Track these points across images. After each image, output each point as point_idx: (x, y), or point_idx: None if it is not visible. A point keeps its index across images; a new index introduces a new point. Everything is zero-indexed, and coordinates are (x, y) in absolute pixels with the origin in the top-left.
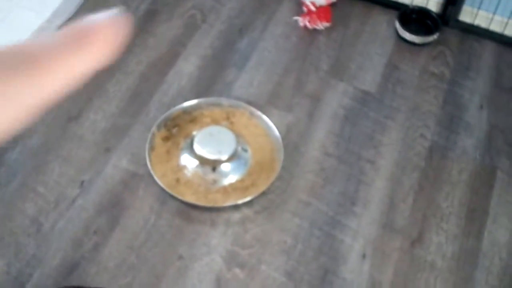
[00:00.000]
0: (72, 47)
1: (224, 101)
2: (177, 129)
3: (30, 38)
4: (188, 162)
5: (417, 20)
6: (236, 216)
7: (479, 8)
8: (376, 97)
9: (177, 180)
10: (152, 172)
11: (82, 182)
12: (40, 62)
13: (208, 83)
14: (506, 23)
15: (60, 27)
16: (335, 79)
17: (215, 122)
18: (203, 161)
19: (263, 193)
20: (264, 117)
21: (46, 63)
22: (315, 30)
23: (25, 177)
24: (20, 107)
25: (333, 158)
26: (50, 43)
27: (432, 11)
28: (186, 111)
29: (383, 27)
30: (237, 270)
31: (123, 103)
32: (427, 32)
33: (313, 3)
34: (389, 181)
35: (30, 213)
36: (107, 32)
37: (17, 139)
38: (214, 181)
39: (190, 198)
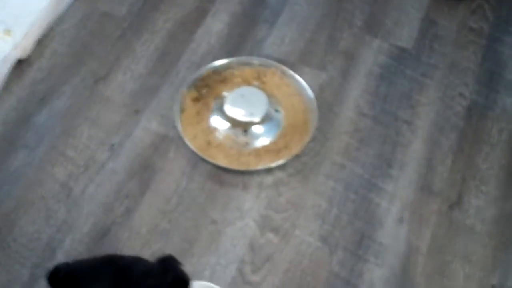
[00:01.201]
0: None
1: (255, 60)
2: (207, 90)
3: None
4: (219, 124)
5: None
6: (269, 179)
7: None
8: (412, 54)
9: (208, 143)
10: (182, 134)
11: (112, 145)
12: None
13: (238, 41)
14: None
15: None
16: (369, 35)
17: (246, 82)
18: (234, 123)
19: (297, 156)
20: (297, 76)
21: None
22: None
23: (54, 141)
24: None
25: (368, 118)
26: None
27: None
28: (216, 71)
29: None
30: (270, 235)
31: (151, 63)
32: None
33: None
34: (427, 142)
35: (60, 178)
36: None
37: (44, 102)
38: (246, 144)
39: (222, 161)
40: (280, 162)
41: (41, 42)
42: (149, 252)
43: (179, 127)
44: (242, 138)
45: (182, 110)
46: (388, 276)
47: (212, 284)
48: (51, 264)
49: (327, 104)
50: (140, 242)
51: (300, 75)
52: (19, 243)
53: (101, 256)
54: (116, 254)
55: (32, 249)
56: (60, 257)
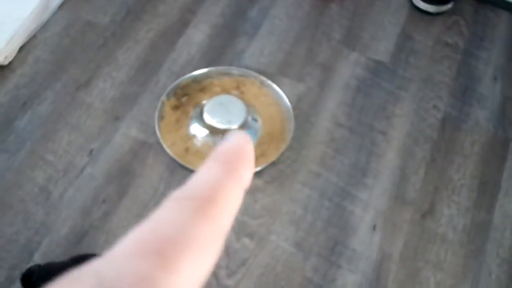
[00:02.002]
0: (230, 174)
1: (234, 70)
2: (187, 98)
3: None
4: (197, 131)
5: None
6: None
7: None
8: (389, 67)
9: (187, 150)
10: (161, 141)
11: (91, 150)
12: (215, 199)
13: (218, 52)
14: None
15: None
16: (347, 48)
17: (225, 91)
18: (213, 130)
19: (273, 164)
20: (275, 87)
21: (219, 199)
22: None
23: (34, 145)
24: (214, 253)
25: (344, 128)
26: (211, 178)
27: None
28: (196, 80)
29: None
30: (246, 240)
31: (133, 71)
32: (442, 1)
33: None
34: (401, 152)
35: (39, 181)
36: (248, 151)
37: (25, 107)
38: None
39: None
40: (257, 169)
41: (24, 49)
42: None
43: (158, 134)
44: None
45: (161, 118)
46: (361, 282)
47: None
48: (28, 266)
49: (304, 114)
50: None
51: (278, 86)
52: None
53: (73, 257)
54: (88, 254)
55: (10, 250)
56: (38, 259)
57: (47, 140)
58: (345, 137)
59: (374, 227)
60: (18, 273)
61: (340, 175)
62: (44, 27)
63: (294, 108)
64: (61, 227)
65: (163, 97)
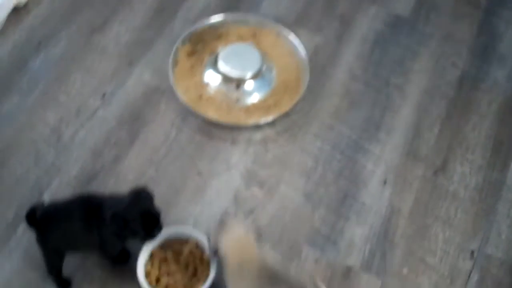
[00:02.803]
0: None
1: (251, 18)
2: (202, 45)
3: None
4: (211, 78)
5: None
6: (257, 135)
7: None
8: (408, 22)
9: (200, 97)
10: (174, 87)
11: (104, 94)
12: None
13: None
14: None
15: None
16: (367, 1)
17: (241, 39)
18: (227, 78)
19: (286, 114)
20: (292, 37)
21: None
22: None
23: (47, 86)
24: None
25: (360, 82)
26: None
27: None
28: (212, 27)
29: None
30: (255, 189)
31: (148, 16)
32: None
33: None
34: (416, 108)
35: (51, 122)
36: None
37: (40, 48)
38: (237, 99)
39: (212, 115)
40: (270, 119)
41: None
42: None
43: (172, 80)
44: (233, 94)
45: (175, 64)
46: (368, 235)
47: (194, 230)
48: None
49: (320, 66)
50: (127, 188)
51: (295, 36)
52: (7, 184)
53: (76, 196)
54: (91, 193)
55: (19, 190)
56: (47, 199)
57: (60, 82)
58: (360, 91)
59: (384, 182)
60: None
61: (353, 128)
62: None
63: (310, 59)
64: (72, 168)
65: (178, 43)
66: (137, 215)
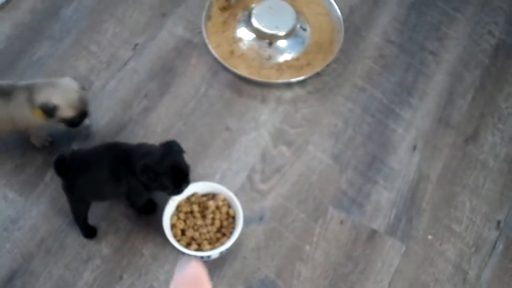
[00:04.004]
0: None
1: None
2: (236, 0)
3: None
4: (244, 34)
5: None
6: (288, 94)
7: None
8: None
9: (232, 52)
10: (206, 41)
11: (136, 45)
12: None
13: None
14: None
15: None
16: None
17: None
18: (259, 34)
19: (318, 74)
20: None
21: None
22: None
23: (79, 35)
24: None
25: (394, 45)
26: None
27: None
28: None
29: None
30: (283, 148)
31: None
32: None
33: None
34: (450, 75)
35: (82, 71)
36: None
37: None
38: (269, 57)
39: (243, 71)
40: (301, 78)
41: None
42: None
43: (204, 34)
44: (265, 51)
45: (208, 18)
46: (395, 200)
47: (221, 186)
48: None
49: (354, 27)
50: (155, 141)
51: None
52: None
53: (104, 144)
54: (119, 142)
55: (49, 136)
56: (76, 147)
57: (92, 31)
58: (394, 54)
59: (414, 148)
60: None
61: (385, 92)
62: None
63: (345, 20)
64: (101, 118)
65: None
66: (167, 169)
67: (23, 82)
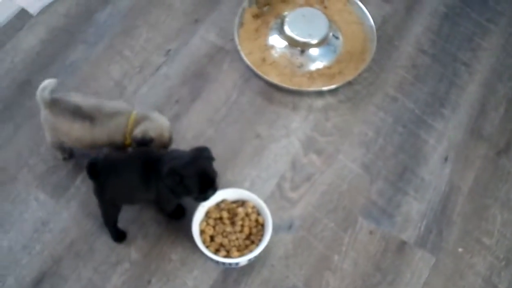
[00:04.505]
0: None
1: None
2: (269, 8)
3: None
4: (276, 42)
5: None
6: (319, 102)
7: None
8: None
9: (263, 60)
10: (238, 48)
11: (168, 50)
12: None
13: None
14: None
15: None
16: None
17: (309, 4)
18: (292, 42)
19: (350, 83)
20: (360, 5)
21: None
22: None
23: (113, 39)
24: None
25: (427, 56)
26: None
27: None
28: None
29: None
30: (313, 156)
31: None
32: None
33: None
34: (483, 87)
35: (115, 76)
36: None
37: (107, 1)
38: (301, 65)
39: (274, 79)
40: (332, 87)
41: None
42: None
43: (237, 41)
44: (297, 59)
45: (241, 25)
46: (425, 211)
47: (250, 193)
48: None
49: (387, 37)
50: (185, 147)
51: (364, 4)
52: None
53: (136, 150)
54: (151, 148)
55: None
56: (106, 151)
57: (126, 36)
58: (426, 65)
59: (446, 159)
60: (85, 161)
61: (417, 102)
62: None
63: (377, 29)
64: None
65: (245, 4)
66: (194, 174)
67: (109, 106)
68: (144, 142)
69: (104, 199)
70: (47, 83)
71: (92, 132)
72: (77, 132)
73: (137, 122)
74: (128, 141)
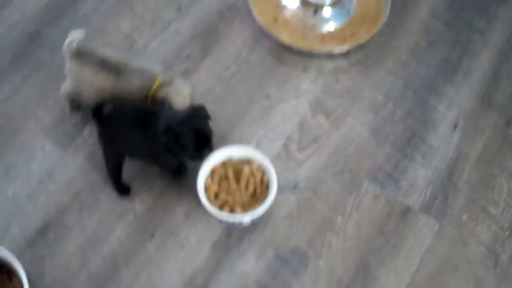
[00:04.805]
0: None
1: None
2: None
3: None
4: (289, 2)
5: None
6: (329, 65)
7: None
8: None
9: (275, 19)
10: (251, 6)
11: (180, 6)
12: None
13: None
14: None
15: None
16: None
17: None
18: (305, 2)
19: (361, 46)
20: None
21: None
22: None
23: None
24: None
25: (441, 22)
26: None
27: None
28: None
29: None
30: (322, 118)
31: None
32: None
33: None
34: (496, 55)
35: (125, 30)
36: None
37: None
38: (313, 26)
39: (286, 39)
40: (344, 49)
41: None
42: None
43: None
44: (310, 20)
45: None
46: (432, 177)
47: (256, 151)
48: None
49: (401, 1)
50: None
51: None
52: None
53: (141, 103)
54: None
55: None
56: None
57: None
58: (440, 31)
59: (455, 126)
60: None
61: (429, 68)
62: None
63: None
64: None
65: None
66: (189, 132)
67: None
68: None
69: (107, 145)
70: (75, 34)
71: (115, 85)
72: (100, 83)
73: (161, 86)
74: (148, 103)
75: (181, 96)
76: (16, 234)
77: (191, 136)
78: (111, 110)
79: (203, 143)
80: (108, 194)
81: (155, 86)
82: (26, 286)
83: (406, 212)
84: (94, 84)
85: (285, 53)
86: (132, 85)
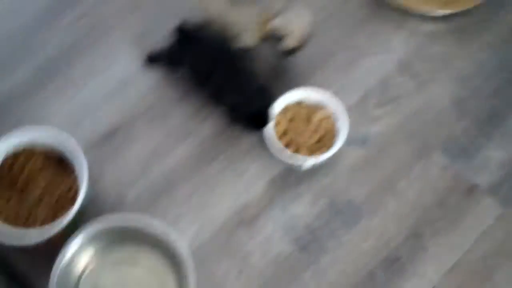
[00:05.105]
0: None
1: None
2: None
3: None
4: None
5: None
6: (425, 27)
7: None
8: None
9: None
10: None
11: None
12: None
13: None
14: None
15: None
16: None
17: None
18: None
19: (464, 13)
20: None
21: None
22: None
23: None
24: None
25: None
26: None
27: None
28: None
29: None
30: (406, 79)
31: None
32: None
33: None
34: None
35: None
36: None
37: None
38: None
39: None
40: (445, 13)
41: None
42: None
43: None
44: None
45: None
46: (506, 160)
47: (333, 97)
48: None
49: None
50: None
51: None
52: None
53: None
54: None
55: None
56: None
57: None
58: None
59: None
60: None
61: None
62: None
63: None
64: None
65: None
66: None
67: None
68: (276, 38)
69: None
70: None
71: (229, 11)
72: (216, 4)
73: (276, 15)
74: (259, 34)
75: (296, 28)
76: (84, 132)
77: (250, 117)
78: (193, 28)
79: (259, 126)
80: (180, 113)
81: (265, 15)
82: (85, 181)
83: (472, 189)
84: (210, 5)
85: (381, 7)
86: (250, 17)
